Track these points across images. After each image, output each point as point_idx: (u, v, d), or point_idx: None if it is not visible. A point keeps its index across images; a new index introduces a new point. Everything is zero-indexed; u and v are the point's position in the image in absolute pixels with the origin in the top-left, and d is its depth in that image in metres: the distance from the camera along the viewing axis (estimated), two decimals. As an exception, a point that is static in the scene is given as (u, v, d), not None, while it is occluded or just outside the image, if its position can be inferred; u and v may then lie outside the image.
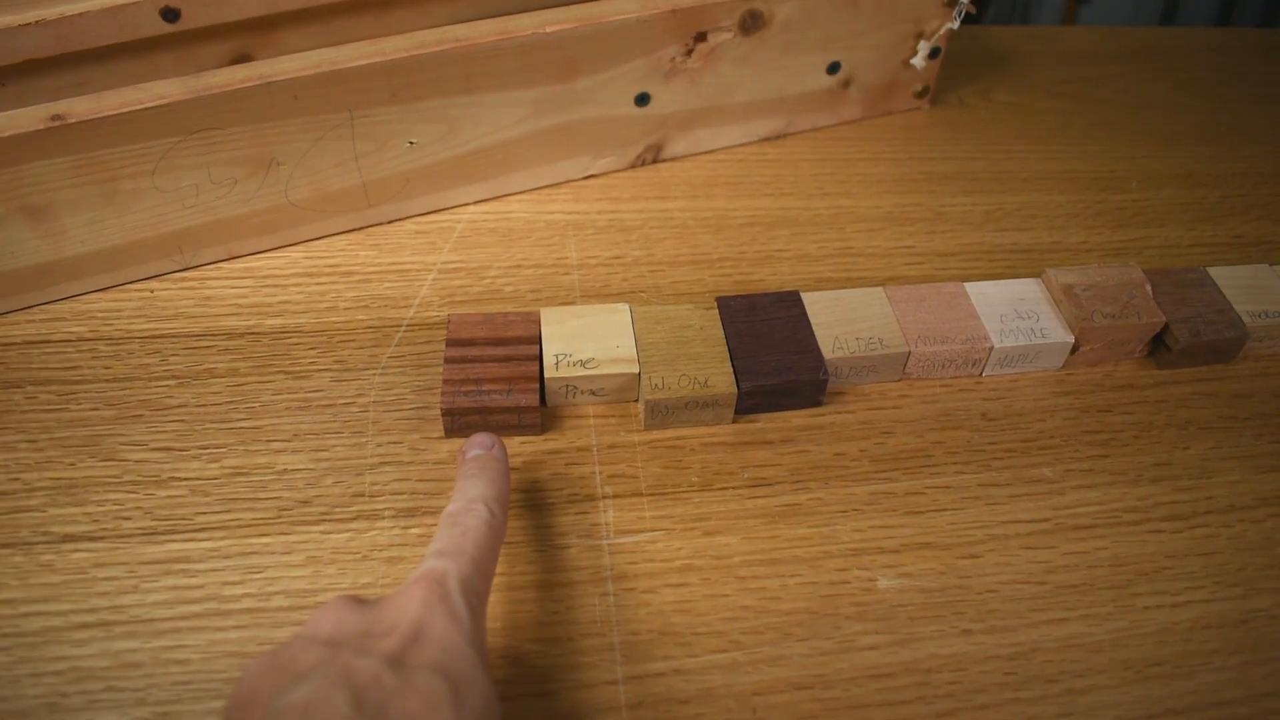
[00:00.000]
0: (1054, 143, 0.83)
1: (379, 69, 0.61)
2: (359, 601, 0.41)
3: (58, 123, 0.56)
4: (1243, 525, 0.57)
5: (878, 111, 0.83)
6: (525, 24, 0.64)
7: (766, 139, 0.80)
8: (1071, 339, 0.62)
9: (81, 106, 0.57)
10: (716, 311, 0.61)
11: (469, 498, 0.47)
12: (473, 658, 0.39)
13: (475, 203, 0.72)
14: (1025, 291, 0.64)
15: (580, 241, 0.69)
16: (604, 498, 0.55)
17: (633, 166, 0.76)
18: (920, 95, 0.83)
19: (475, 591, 0.42)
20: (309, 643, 0.38)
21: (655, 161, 0.76)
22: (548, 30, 0.63)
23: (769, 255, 0.70)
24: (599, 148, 0.73)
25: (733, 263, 0.69)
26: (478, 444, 0.51)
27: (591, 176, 0.75)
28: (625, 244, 0.70)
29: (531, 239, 0.69)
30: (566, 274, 0.67)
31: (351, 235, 0.68)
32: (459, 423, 0.56)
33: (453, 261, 0.67)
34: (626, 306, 0.60)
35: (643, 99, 0.71)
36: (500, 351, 0.57)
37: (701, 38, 0.69)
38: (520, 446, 0.57)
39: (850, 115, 0.82)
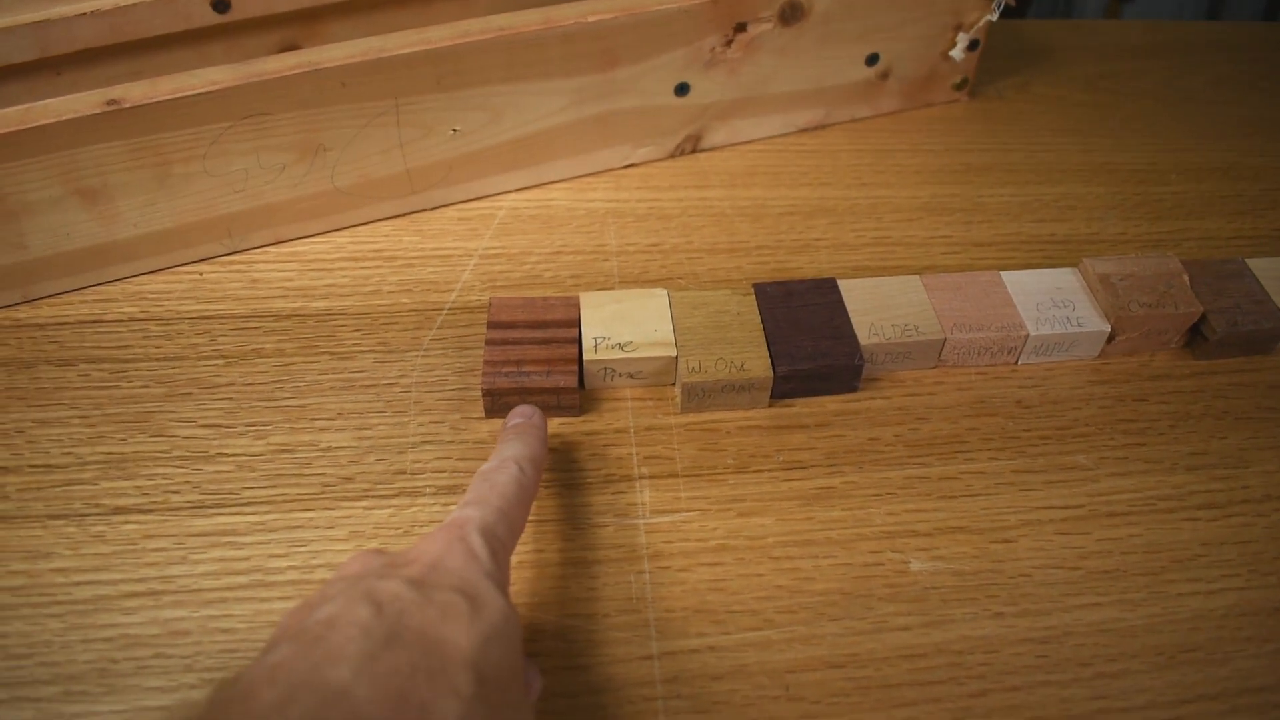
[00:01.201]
0: (1092, 135, 0.83)
1: (424, 57, 0.62)
2: (383, 550, 0.43)
3: (113, 107, 0.57)
4: (1278, 515, 0.57)
5: (916, 103, 0.83)
6: (568, 13, 0.65)
7: (805, 130, 0.80)
8: (1108, 328, 0.62)
9: (136, 92, 0.58)
10: (753, 298, 0.61)
11: (502, 457, 0.48)
12: (489, 585, 0.40)
13: (516, 190, 0.73)
14: (1062, 281, 0.64)
15: (620, 229, 0.70)
16: (640, 478, 0.56)
17: (672, 156, 0.76)
18: (959, 87, 0.83)
19: (497, 538, 0.43)
20: (335, 580, 0.40)
21: (694, 151, 0.77)
22: (590, 20, 0.64)
23: (806, 244, 0.70)
24: (639, 137, 0.74)
25: (770, 251, 0.69)
26: (519, 413, 0.54)
27: (631, 166, 0.75)
28: (664, 232, 0.70)
29: (571, 226, 0.70)
30: (606, 260, 0.68)
31: (395, 221, 0.70)
32: (499, 403, 0.57)
33: (494, 247, 0.68)
34: (665, 292, 0.61)
35: (682, 89, 0.72)
36: (540, 334, 0.58)
37: (741, 28, 0.70)
38: (559, 428, 0.58)
39: (889, 107, 0.82)
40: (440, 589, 0.39)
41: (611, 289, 0.65)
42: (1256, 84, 0.92)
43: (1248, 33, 1.01)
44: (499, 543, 0.43)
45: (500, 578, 0.42)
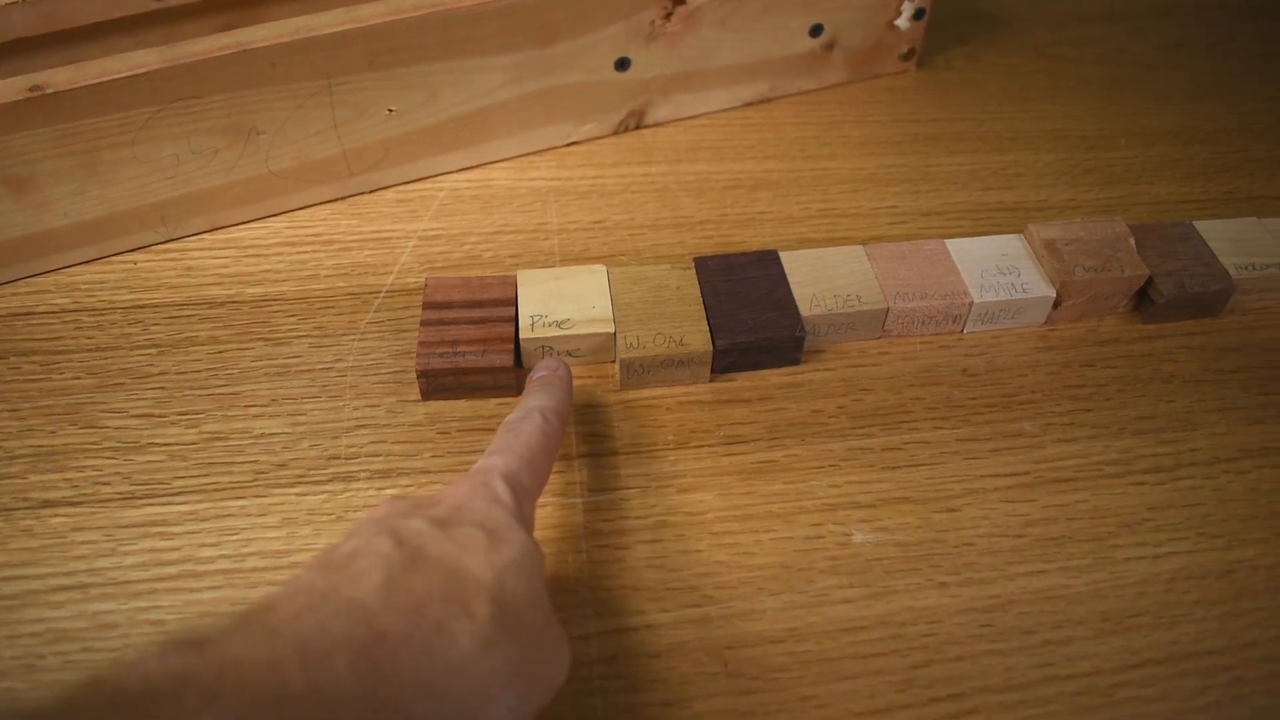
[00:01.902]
0: (1043, 102, 0.83)
1: (356, 35, 0.61)
2: (408, 496, 0.44)
3: (36, 93, 0.56)
4: (1227, 477, 0.56)
5: (863, 75, 0.82)
6: (502, -12, 0.64)
7: (750, 103, 0.79)
8: (1053, 293, 0.61)
9: (60, 77, 0.57)
10: (694, 271, 0.60)
11: (527, 407, 0.49)
12: (511, 521, 0.41)
13: (458, 170, 0.71)
14: (1007, 247, 0.64)
15: (562, 207, 0.69)
16: (579, 456, 0.55)
17: (616, 133, 0.75)
18: (906, 58, 0.82)
19: (520, 484, 0.44)
20: (360, 522, 0.41)
21: (639, 127, 0.76)
22: (525, -6, 0.64)
23: (751, 217, 0.69)
24: (581, 114, 0.73)
25: (714, 225, 0.69)
26: (544, 366, 0.54)
27: (574, 143, 0.74)
28: (606, 209, 0.69)
29: (513, 205, 0.69)
30: (547, 239, 0.67)
31: (334, 204, 0.69)
32: (435, 384, 0.56)
33: (434, 229, 0.67)
34: (604, 268, 0.60)
35: (623, 63, 0.71)
36: (476, 314, 0.57)
37: (681, 1, 0.69)
38: (497, 408, 0.57)
39: (835, 79, 0.81)
40: (461, 525, 0.40)
41: (552, 267, 0.64)
42: (1209, 48, 0.92)
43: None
44: (522, 489, 0.44)
45: (524, 520, 0.42)
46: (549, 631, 0.40)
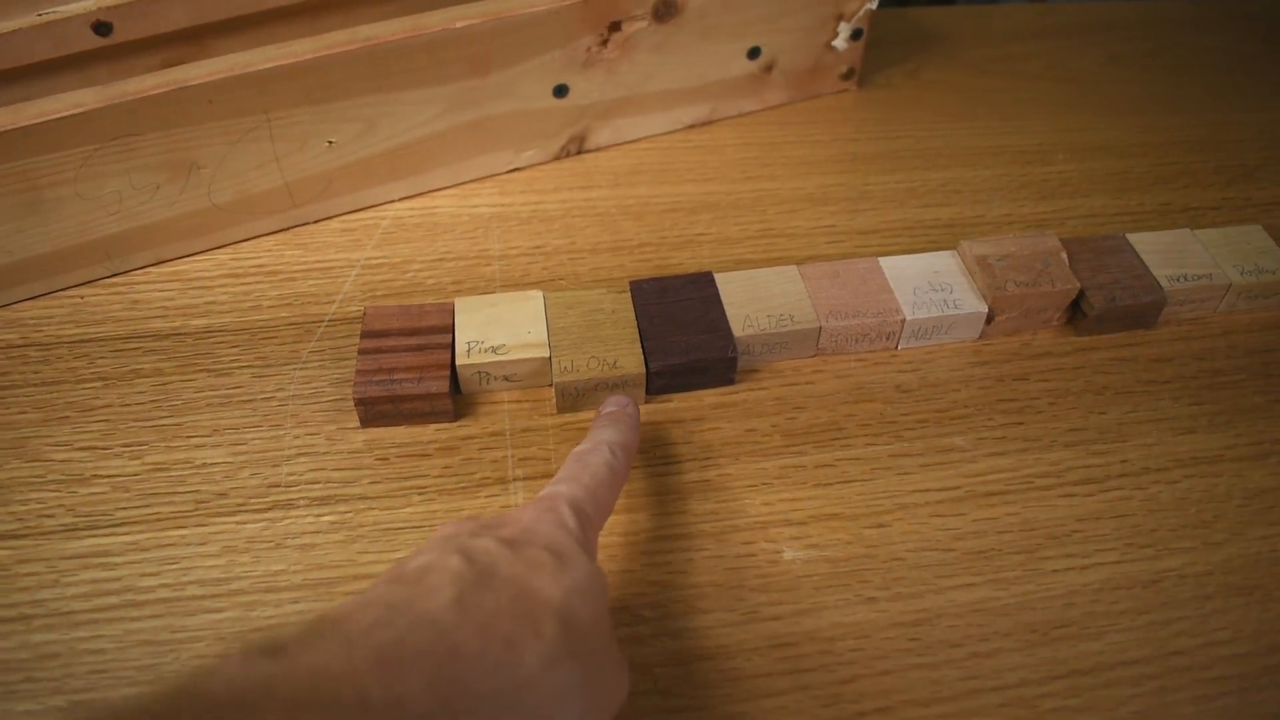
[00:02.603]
0: (981, 119, 0.84)
1: (291, 70, 0.62)
2: (475, 517, 0.45)
3: (-26, 134, 0.57)
4: (1157, 487, 0.57)
5: (804, 95, 0.83)
6: (435, 20, 0.64)
7: (692, 126, 0.80)
8: (985, 309, 0.62)
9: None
10: (629, 295, 0.61)
11: (596, 440, 0.50)
12: (577, 548, 0.42)
13: (400, 199, 0.72)
14: (940, 264, 0.65)
15: (503, 233, 0.70)
16: (515, 480, 0.55)
17: (557, 158, 0.76)
18: (846, 77, 0.84)
19: (585, 513, 0.45)
20: (429, 541, 0.42)
21: (580, 153, 0.77)
22: (458, 25, 0.64)
23: (689, 239, 0.70)
24: (521, 141, 0.73)
25: (653, 248, 0.69)
26: (613, 402, 0.54)
27: (516, 170, 0.75)
28: (547, 234, 0.70)
29: (455, 233, 0.70)
30: (488, 265, 0.67)
31: (278, 235, 0.69)
32: (372, 412, 0.57)
33: (376, 257, 0.68)
34: (540, 293, 0.61)
35: (561, 90, 0.72)
36: (414, 341, 0.58)
37: (616, 27, 0.70)
38: (435, 434, 0.57)
39: (775, 100, 0.82)
40: (530, 547, 0.40)
41: (491, 293, 0.65)
42: (1146, 61, 0.93)
43: (1139, 11, 1.01)
44: (587, 518, 0.45)
45: (588, 548, 0.43)
46: (610, 654, 0.41)
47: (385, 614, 0.35)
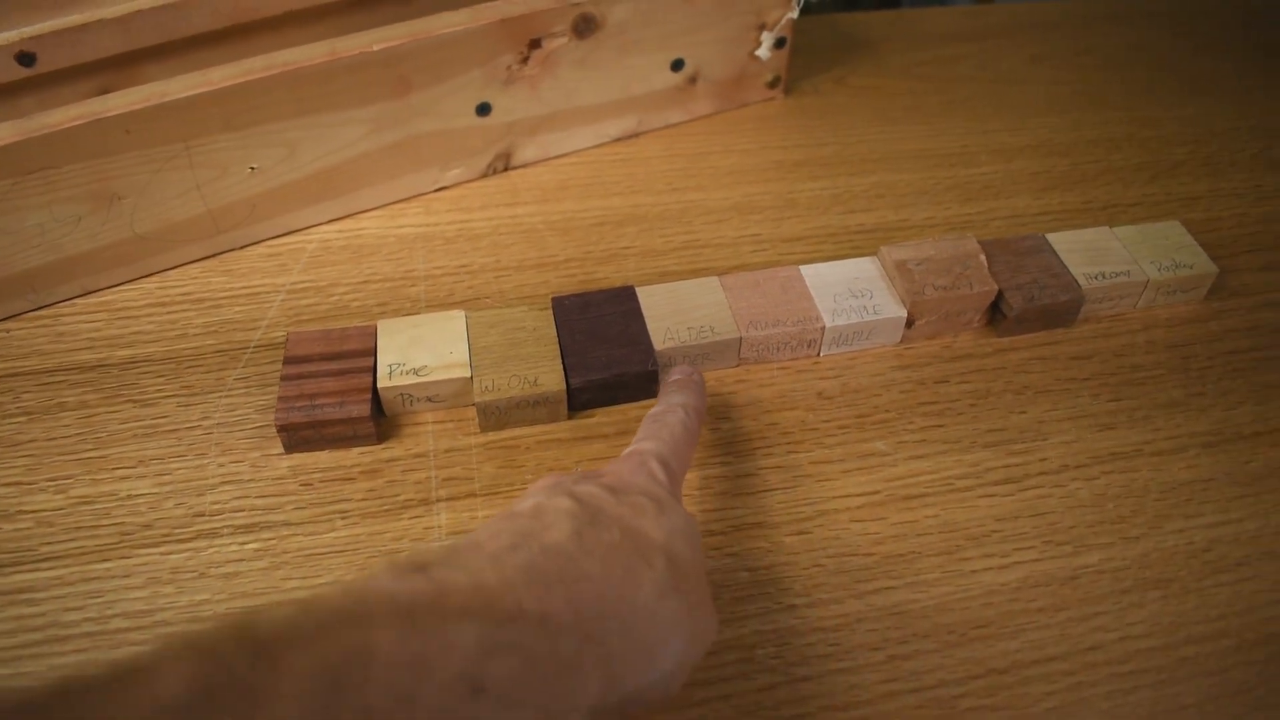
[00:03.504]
0: (907, 123, 0.85)
1: (208, 98, 0.62)
2: (570, 470, 0.50)
3: (-111, 173, 0.57)
4: (1076, 484, 0.58)
5: (731, 104, 0.84)
6: (353, 44, 0.65)
7: (618, 139, 0.81)
8: (904, 313, 0.63)
9: (-86, 156, 0.58)
10: (550, 312, 0.62)
11: (669, 403, 0.52)
12: (670, 498, 0.45)
13: (327, 222, 0.72)
14: (860, 270, 0.65)
15: (429, 253, 0.70)
16: (438, 501, 0.56)
17: (484, 176, 0.77)
18: (772, 85, 0.84)
19: (670, 468, 0.47)
20: (530, 489, 0.45)
21: (506, 169, 0.77)
22: (375, 48, 0.65)
23: (615, 253, 0.71)
24: (446, 160, 0.74)
25: (579, 263, 0.70)
26: (680, 370, 0.56)
27: (443, 189, 0.76)
28: (473, 252, 0.70)
29: (381, 254, 0.70)
30: (413, 286, 0.68)
31: (205, 262, 0.69)
32: (295, 438, 0.57)
33: (302, 281, 0.68)
34: (462, 313, 0.61)
35: (484, 109, 0.72)
36: (335, 366, 0.58)
37: (536, 44, 0.70)
38: (359, 457, 0.58)
39: (702, 110, 0.83)
40: (630, 494, 0.44)
41: (416, 314, 0.65)
42: (1072, 60, 0.94)
43: (1061, 11, 1.03)
44: (672, 472, 0.47)
45: (677, 498, 0.46)
46: (706, 595, 0.43)
47: (517, 539, 0.39)
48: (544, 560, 0.38)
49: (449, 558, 0.36)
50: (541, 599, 0.36)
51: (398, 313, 0.66)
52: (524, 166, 0.78)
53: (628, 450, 0.49)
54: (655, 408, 0.53)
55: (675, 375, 0.56)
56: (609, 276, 0.69)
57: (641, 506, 0.43)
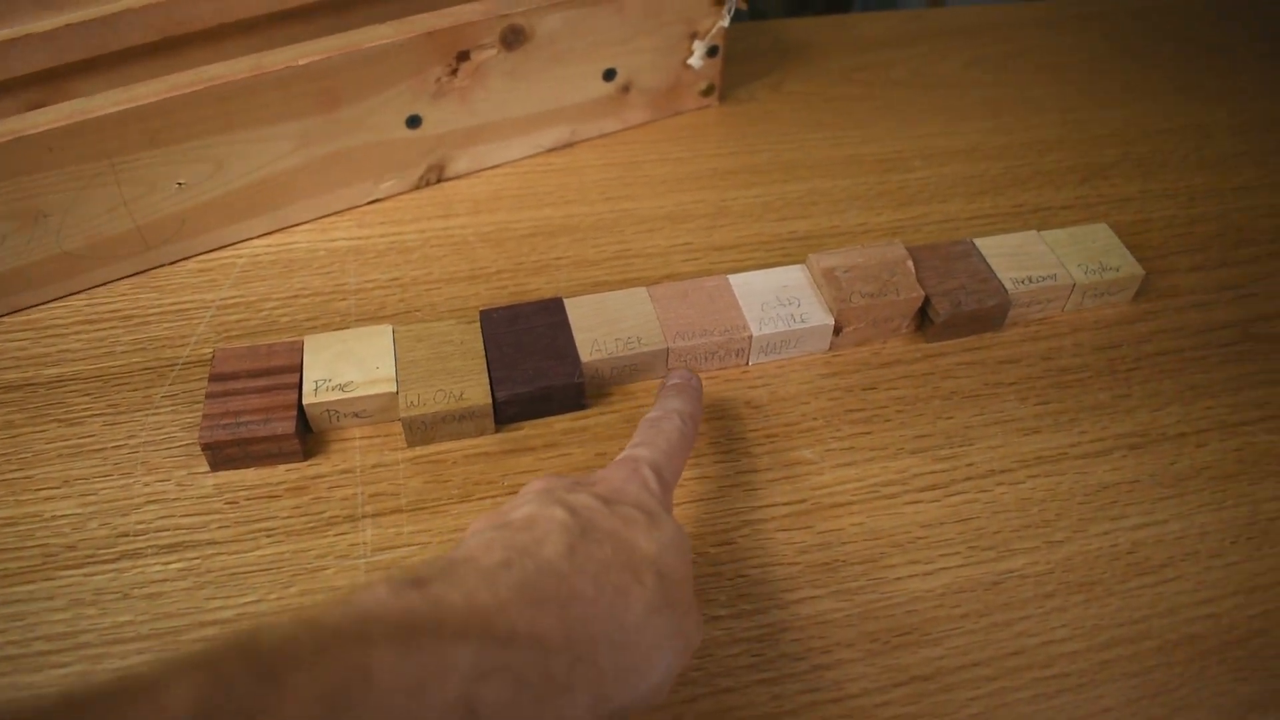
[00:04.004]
0: (841, 129, 0.85)
1: (132, 115, 0.62)
2: (565, 475, 0.49)
3: None
4: (1001, 489, 0.58)
5: (665, 113, 0.84)
6: (278, 58, 0.64)
7: (552, 149, 0.81)
8: (832, 321, 0.63)
9: None
10: (478, 325, 0.62)
11: (666, 409, 0.53)
12: (661, 509, 0.45)
13: (259, 236, 0.72)
14: (789, 279, 0.66)
15: (360, 266, 0.70)
16: (364, 517, 0.56)
17: (417, 188, 0.76)
18: (706, 94, 0.84)
19: (663, 477, 0.48)
20: (523, 493, 0.45)
21: (440, 181, 0.77)
22: (301, 63, 0.64)
23: (547, 264, 0.71)
24: (378, 172, 0.74)
25: (510, 274, 0.70)
26: (678, 375, 0.57)
27: (376, 201, 0.75)
28: (404, 265, 0.70)
29: (312, 268, 0.70)
30: (344, 300, 0.68)
31: (135, 279, 0.69)
32: (221, 456, 0.57)
33: (232, 297, 0.68)
34: (389, 328, 0.61)
35: (414, 121, 0.72)
36: (261, 383, 0.58)
37: (464, 56, 0.70)
38: (285, 474, 0.57)
39: (637, 119, 0.83)
40: (622, 505, 0.44)
41: (346, 329, 0.65)
42: (1006, 64, 0.95)
43: (1002, 14, 1.03)
44: (664, 481, 0.48)
45: (667, 508, 0.47)
46: (693, 606, 0.44)
47: (509, 555, 0.39)
48: (537, 579, 0.38)
49: (445, 573, 0.37)
50: (534, 621, 0.36)
51: (327, 327, 0.65)
52: (458, 178, 0.78)
53: (622, 455, 0.49)
54: (652, 412, 0.53)
55: (674, 379, 0.57)
56: (540, 288, 0.69)
57: (633, 519, 0.43)
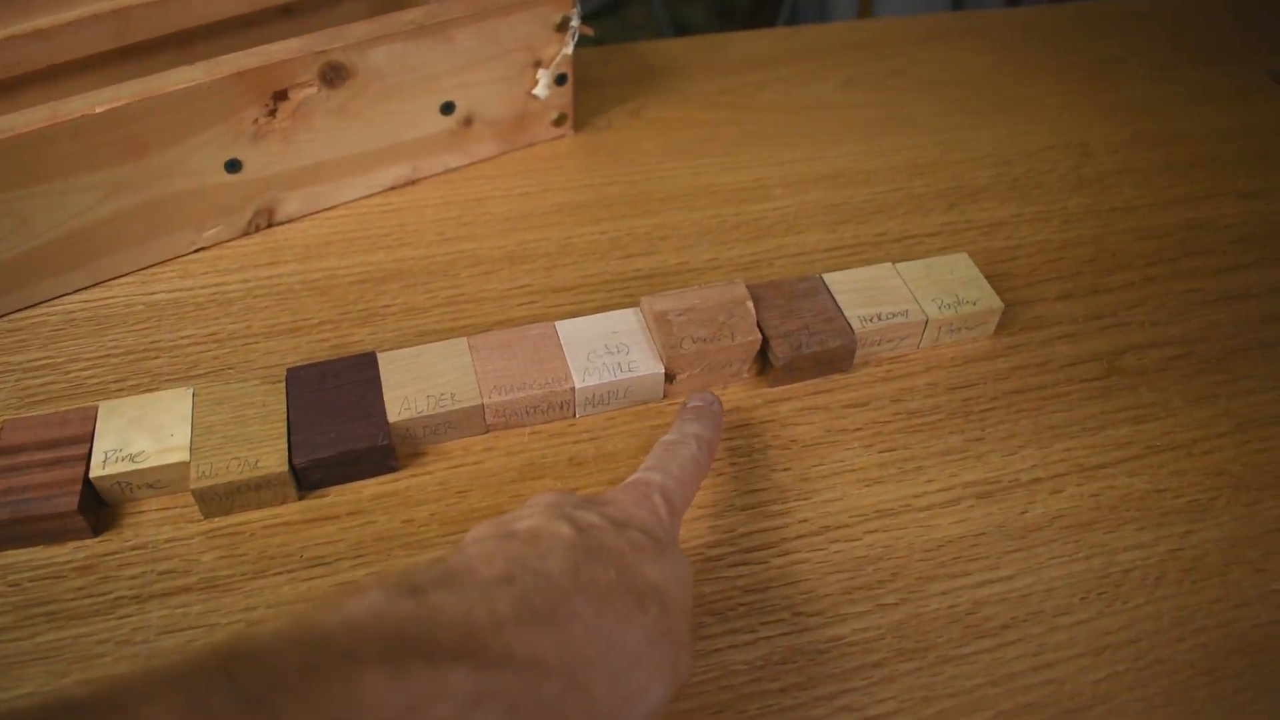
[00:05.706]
0: (701, 156, 0.82)
1: (-81, 172, 0.58)
2: (574, 491, 0.49)
3: None
4: (835, 546, 0.56)
5: (516, 145, 0.81)
6: (74, 107, 0.60)
7: (394, 188, 0.77)
8: (662, 369, 0.60)
9: None
10: (284, 385, 0.58)
11: (684, 432, 0.53)
12: (668, 536, 0.45)
13: (75, 291, 0.68)
14: (621, 323, 0.62)
15: (178, 320, 0.66)
16: (151, 597, 0.52)
17: (245, 234, 0.73)
18: (558, 123, 0.81)
19: (673, 503, 0.48)
20: (530, 504, 0.45)
21: (270, 226, 0.73)
22: (98, 110, 0.60)
23: (373, 313, 0.67)
24: (200, 219, 0.70)
25: (334, 325, 0.66)
26: (699, 397, 0.57)
27: (202, 249, 0.71)
28: (224, 318, 0.67)
29: (127, 324, 0.66)
30: (157, 358, 0.64)
31: (-61, 341, 0.65)
32: (2, 535, 0.53)
33: (39, 359, 0.64)
34: (190, 391, 0.58)
35: (234, 165, 0.68)
36: (49, 455, 0.55)
37: (282, 96, 0.66)
38: (73, 552, 0.54)
39: (485, 153, 0.79)
40: (630, 529, 0.43)
41: (158, 389, 0.61)
42: (883, 82, 0.92)
43: (880, 30, 1.01)
44: (674, 508, 0.47)
45: (674, 536, 0.46)
46: (688, 640, 0.43)
47: (511, 568, 0.38)
48: (537, 596, 0.37)
49: (442, 582, 0.36)
50: (530, 642, 0.35)
51: (136, 388, 0.62)
52: (289, 221, 0.74)
53: (634, 477, 0.49)
54: (669, 435, 0.53)
55: (695, 401, 0.56)
56: (363, 340, 0.65)
57: (641, 545, 0.42)
